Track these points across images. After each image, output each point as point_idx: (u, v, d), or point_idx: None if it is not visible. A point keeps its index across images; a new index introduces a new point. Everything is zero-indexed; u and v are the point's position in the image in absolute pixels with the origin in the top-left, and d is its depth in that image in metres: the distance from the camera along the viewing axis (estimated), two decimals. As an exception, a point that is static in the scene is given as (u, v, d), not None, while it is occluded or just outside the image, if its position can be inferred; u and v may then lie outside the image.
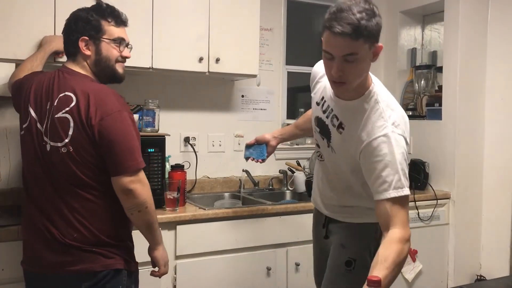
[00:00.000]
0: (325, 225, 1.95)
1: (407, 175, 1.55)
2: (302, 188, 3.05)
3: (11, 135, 2.45)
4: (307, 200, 2.72)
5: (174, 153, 2.84)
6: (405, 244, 1.47)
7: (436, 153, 3.21)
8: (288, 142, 3.15)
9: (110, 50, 1.75)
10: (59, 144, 1.63)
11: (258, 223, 2.55)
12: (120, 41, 1.77)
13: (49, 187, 1.67)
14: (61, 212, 1.65)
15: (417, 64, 3.52)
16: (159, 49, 2.49)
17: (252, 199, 2.87)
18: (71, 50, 1.75)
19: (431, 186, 3.16)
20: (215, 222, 2.44)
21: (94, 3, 1.78)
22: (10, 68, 2.13)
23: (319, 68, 1.81)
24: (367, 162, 1.58)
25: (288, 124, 3.27)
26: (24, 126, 1.74)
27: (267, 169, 3.19)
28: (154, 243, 1.80)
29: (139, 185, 1.64)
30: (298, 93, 3.47)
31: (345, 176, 1.77)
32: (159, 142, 2.47)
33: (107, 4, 1.77)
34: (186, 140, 2.95)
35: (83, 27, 1.71)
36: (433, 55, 3.58)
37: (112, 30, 1.75)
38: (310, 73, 1.91)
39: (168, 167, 2.60)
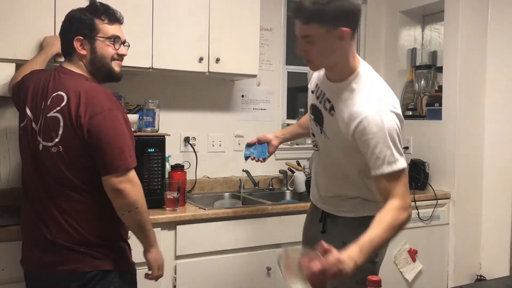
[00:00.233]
0: (322, 219, 1.94)
1: (401, 149, 1.59)
2: (302, 188, 3.05)
3: (11, 135, 2.45)
4: (307, 200, 2.71)
5: (174, 153, 2.84)
6: (402, 211, 1.54)
7: (436, 153, 3.21)
8: (288, 142, 3.14)
9: (105, 49, 1.74)
10: (50, 144, 1.63)
11: (258, 223, 2.55)
12: (115, 39, 1.76)
13: (41, 187, 1.67)
14: (51, 213, 1.65)
15: (417, 64, 3.51)
16: (159, 49, 2.49)
17: (252, 199, 2.86)
18: (68, 50, 1.75)
19: (431, 186, 3.16)
20: (215, 222, 2.44)
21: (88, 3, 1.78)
22: (10, 68, 2.13)
23: None
24: (360, 141, 1.61)
25: (288, 124, 3.28)
26: (21, 125, 1.75)
27: (267, 169, 3.19)
28: (147, 244, 1.76)
29: (129, 185, 1.62)
30: (298, 93, 3.47)
31: (340, 163, 1.79)
32: (159, 142, 2.47)
33: (100, 3, 1.77)
34: (186, 140, 2.95)
35: (77, 27, 1.71)
36: (433, 55, 3.58)
37: (106, 28, 1.74)
38: (310, 72, 1.93)
39: (168, 167, 2.60)
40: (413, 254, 3.01)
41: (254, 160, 2.23)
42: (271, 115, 3.26)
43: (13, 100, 1.90)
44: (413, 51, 3.57)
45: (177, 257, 2.36)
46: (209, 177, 3.05)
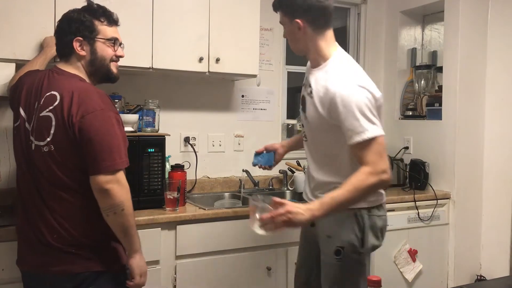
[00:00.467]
0: None
1: (373, 119, 1.70)
2: (302, 188, 3.05)
3: (11, 135, 2.43)
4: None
5: (174, 153, 2.84)
6: (371, 176, 1.66)
7: (436, 153, 3.21)
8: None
9: (105, 50, 1.75)
10: (42, 143, 1.63)
11: (258, 223, 2.55)
12: (115, 41, 1.78)
13: (32, 188, 1.67)
14: (42, 213, 1.64)
15: (417, 64, 3.51)
16: (159, 49, 2.49)
17: (252, 199, 2.86)
18: (65, 51, 1.75)
19: (431, 186, 3.16)
20: (215, 222, 2.44)
21: (85, 3, 1.78)
22: (10, 68, 2.13)
23: None
24: (334, 115, 1.75)
25: (288, 124, 3.31)
26: (15, 125, 1.76)
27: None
28: (130, 249, 1.70)
29: (116, 185, 1.60)
30: (298, 93, 3.46)
31: (323, 143, 1.89)
32: (159, 142, 2.47)
33: (97, 4, 1.78)
34: (186, 140, 2.95)
35: (76, 28, 1.71)
36: (433, 55, 3.58)
37: (105, 30, 1.75)
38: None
39: (168, 167, 2.60)
40: (413, 254, 3.01)
41: (261, 168, 2.35)
42: (271, 115, 3.26)
43: (9, 101, 1.90)
44: (413, 51, 3.57)
45: (177, 257, 2.36)
46: (209, 177, 3.05)
